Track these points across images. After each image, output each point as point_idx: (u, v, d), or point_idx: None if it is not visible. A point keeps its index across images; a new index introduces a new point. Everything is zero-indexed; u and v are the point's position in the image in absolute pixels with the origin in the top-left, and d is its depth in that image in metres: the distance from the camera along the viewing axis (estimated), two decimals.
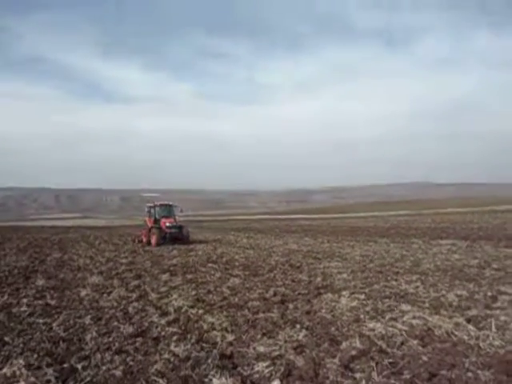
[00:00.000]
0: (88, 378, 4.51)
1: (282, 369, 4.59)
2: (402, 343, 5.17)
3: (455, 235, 23.14)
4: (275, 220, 74.33)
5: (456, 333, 5.54)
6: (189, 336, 5.87)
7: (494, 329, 5.48)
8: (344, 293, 8.30)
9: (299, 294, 8.54)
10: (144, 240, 22.70)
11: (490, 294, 7.75)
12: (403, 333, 5.53)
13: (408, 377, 4.25)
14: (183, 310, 7.37)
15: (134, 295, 8.85)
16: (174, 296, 8.61)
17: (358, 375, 4.36)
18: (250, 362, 4.90)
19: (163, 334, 6.06)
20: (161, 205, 23.00)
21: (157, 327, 6.41)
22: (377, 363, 4.57)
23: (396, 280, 9.46)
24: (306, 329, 6.04)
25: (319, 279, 10.08)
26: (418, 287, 8.51)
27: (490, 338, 5.24)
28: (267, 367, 4.68)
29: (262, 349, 5.28)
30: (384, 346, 5.11)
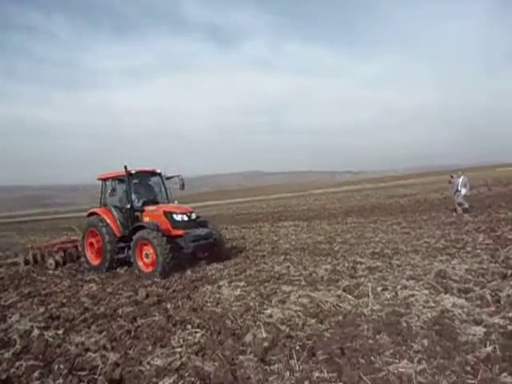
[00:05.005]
0: None
1: (194, 380, 3.95)
2: (304, 324, 5.18)
3: (292, 217, 25.72)
4: None
5: (340, 304, 5.90)
6: (55, 367, 4.54)
7: (371, 295, 6.05)
8: (221, 283, 7.99)
9: (174, 290, 7.84)
10: (93, 260, 10.67)
11: (347, 265, 8.66)
12: (299, 313, 5.57)
13: (324, 357, 4.21)
14: (34, 334, 5.77)
15: None
16: (14, 317, 6.73)
17: (276, 367, 4.09)
18: (150, 381, 4.07)
19: (15, 371, 4.55)
20: (138, 173, 10.58)
21: (1, 364, 4.79)
22: (290, 350, 4.40)
23: (265, 263, 9.69)
24: (200, 327, 5.49)
25: (189, 272, 9.53)
26: (288, 267, 8.87)
27: (370, 304, 5.74)
28: (175, 382, 3.95)
29: (158, 362, 4.49)
30: (287, 330, 5.02)
